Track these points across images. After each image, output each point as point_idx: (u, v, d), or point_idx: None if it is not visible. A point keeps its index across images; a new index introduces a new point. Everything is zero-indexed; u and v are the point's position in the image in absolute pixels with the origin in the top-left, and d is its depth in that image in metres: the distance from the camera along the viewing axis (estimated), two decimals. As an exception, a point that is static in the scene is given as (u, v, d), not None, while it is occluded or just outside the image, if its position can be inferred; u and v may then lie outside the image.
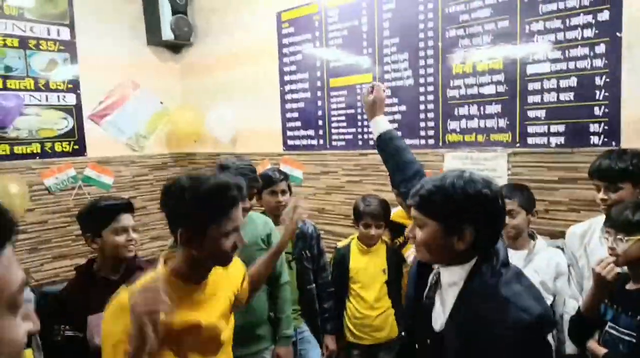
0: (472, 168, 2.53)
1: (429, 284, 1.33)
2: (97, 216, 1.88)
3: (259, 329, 2.14)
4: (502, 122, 2.46)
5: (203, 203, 1.25)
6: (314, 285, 2.47)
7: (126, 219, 1.88)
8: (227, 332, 1.44)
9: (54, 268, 3.36)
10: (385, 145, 1.74)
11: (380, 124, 1.78)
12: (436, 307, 1.30)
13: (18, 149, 3.23)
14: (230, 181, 1.32)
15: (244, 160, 2.26)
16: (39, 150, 3.32)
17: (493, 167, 2.49)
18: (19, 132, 3.23)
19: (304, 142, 3.36)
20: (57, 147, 3.40)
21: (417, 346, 1.37)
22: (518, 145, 2.40)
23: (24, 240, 3.16)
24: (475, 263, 1.21)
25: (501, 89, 2.44)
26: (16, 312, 0.67)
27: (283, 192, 2.46)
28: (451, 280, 1.24)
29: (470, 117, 2.56)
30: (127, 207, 1.91)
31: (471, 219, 1.17)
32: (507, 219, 2.04)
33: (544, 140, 2.32)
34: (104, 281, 1.86)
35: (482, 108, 2.52)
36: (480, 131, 2.53)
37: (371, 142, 2.98)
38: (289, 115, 3.45)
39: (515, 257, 2.07)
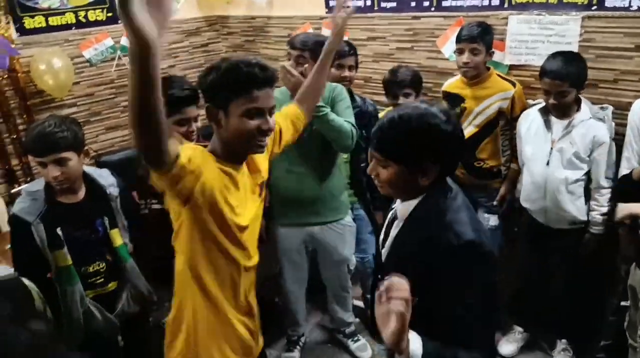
0: (539, 33, 2.40)
1: (386, 221, 1.37)
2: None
3: (336, 201, 2.26)
4: (579, -19, 2.23)
5: (222, 78, 1.29)
6: (365, 163, 2.47)
7: (190, 111, 1.89)
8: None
9: (109, 139, 3.46)
10: None
11: None
12: (389, 239, 1.33)
13: (53, 20, 3.10)
14: (253, 60, 1.30)
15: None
16: (73, 20, 3.18)
17: (563, 32, 2.33)
18: (50, 1, 3.06)
19: (350, 3, 3.12)
20: (91, 16, 3.25)
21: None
22: (595, 7, 2.21)
23: (75, 113, 3.20)
24: (428, 191, 1.22)
25: (583, -60, 2.17)
26: None
27: (350, 68, 2.36)
28: (407, 212, 1.25)
29: (542, -25, 2.33)
30: (192, 98, 1.89)
31: (433, 156, 1.17)
32: (557, 98, 2.02)
33: (625, 2, 2.13)
34: None
35: (557, -36, 2.27)
36: (553, -9, 2.32)
37: (425, 3, 2.77)
38: (332, -28, 3.16)
39: (556, 126, 2.11)
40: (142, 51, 0.93)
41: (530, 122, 2.24)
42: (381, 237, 1.39)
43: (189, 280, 1.41)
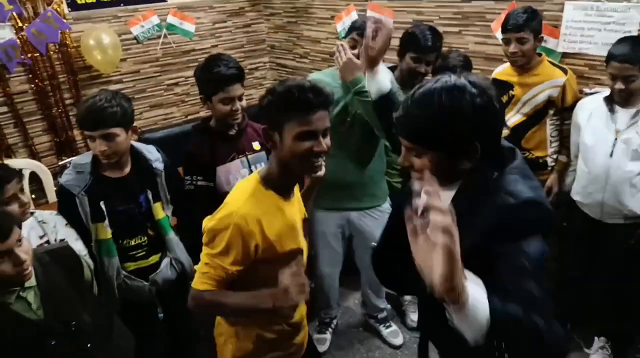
0: (597, 20, 2.29)
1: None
2: (207, 83, 1.92)
3: (375, 187, 2.25)
4: (645, -35, 2.11)
5: (277, 101, 1.31)
6: None
7: (235, 90, 1.89)
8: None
9: (152, 117, 3.55)
10: (386, 107, 1.46)
11: (383, 80, 1.50)
12: None
13: (102, -4, 3.17)
14: (307, 84, 1.30)
15: None
16: (121, -4, 3.25)
17: (622, 19, 2.22)
18: (100, -23, 3.13)
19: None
20: (139, -8, 3.31)
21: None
22: (660, -6, 2.09)
23: (121, 90, 3.27)
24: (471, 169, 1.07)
25: None
26: None
27: (428, 63, 2.17)
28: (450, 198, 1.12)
29: (604, -41, 2.21)
30: (238, 76, 1.90)
31: (474, 136, 1.01)
32: (625, 83, 1.92)
33: (694, -12, 2.00)
34: (224, 136, 1.99)
35: (622, -53, 2.15)
36: (615, -24, 2.20)
37: (476, -13, 2.68)
38: (379, -47, 3.09)
39: (622, 115, 2.02)
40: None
41: (591, 111, 2.13)
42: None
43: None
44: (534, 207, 1.01)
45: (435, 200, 0.81)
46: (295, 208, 1.48)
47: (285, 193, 1.42)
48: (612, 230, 2.13)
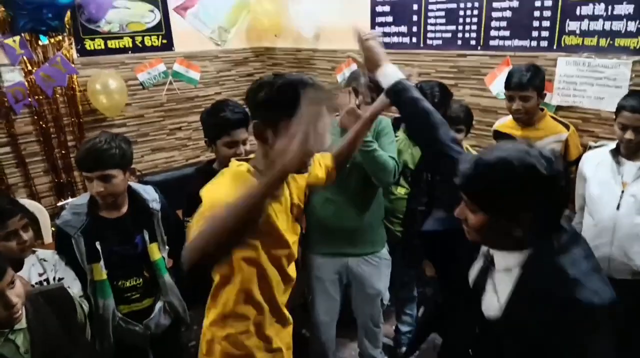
0: (589, 75, 2.37)
1: (476, 270, 1.22)
2: (213, 127, 1.96)
3: (373, 233, 2.24)
4: (632, 26, 2.21)
5: (274, 94, 1.24)
6: (425, 207, 2.35)
7: (240, 134, 1.92)
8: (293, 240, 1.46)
9: (153, 160, 3.58)
10: (398, 97, 1.46)
11: (391, 74, 1.50)
12: (487, 292, 1.18)
13: (112, 43, 3.28)
14: (305, 78, 1.27)
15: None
16: (130, 45, 3.36)
17: (613, 75, 2.30)
18: (110, 26, 3.25)
19: (395, 39, 3.19)
20: (147, 42, 3.43)
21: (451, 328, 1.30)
22: (647, 52, 2.18)
23: (124, 133, 3.32)
24: (534, 247, 1.08)
25: (637, -15, 2.16)
26: None
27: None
28: (506, 265, 1.13)
29: (594, 18, 2.31)
30: (243, 121, 1.93)
31: (528, 205, 1.02)
32: (633, 134, 1.95)
33: (681, 47, 2.09)
34: None
35: (610, 8, 2.26)
36: (604, 34, 2.30)
37: (472, 42, 2.80)
38: (379, 8, 3.24)
39: (629, 167, 2.03)
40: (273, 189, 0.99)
41: (597, 163, 2.13)
42: (471, 280, 1.23)
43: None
44: (615, 308, 0.99)
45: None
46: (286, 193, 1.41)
47: None
48: (620, 285, 2.08)
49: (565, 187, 1.07)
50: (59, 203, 3.09)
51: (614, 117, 2.02)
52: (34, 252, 1.77)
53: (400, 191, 2.38)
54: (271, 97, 1.25)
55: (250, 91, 1.31)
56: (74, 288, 1.66)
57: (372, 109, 1.66)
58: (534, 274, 1.06)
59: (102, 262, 1.78)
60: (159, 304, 1.94)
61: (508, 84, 2.25)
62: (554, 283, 1.02)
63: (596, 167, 2.14)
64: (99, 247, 1.78)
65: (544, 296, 1.02)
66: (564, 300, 0.99)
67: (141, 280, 1.89)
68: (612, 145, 2.12)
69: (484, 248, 1.21)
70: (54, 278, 1.70)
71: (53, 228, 2.40)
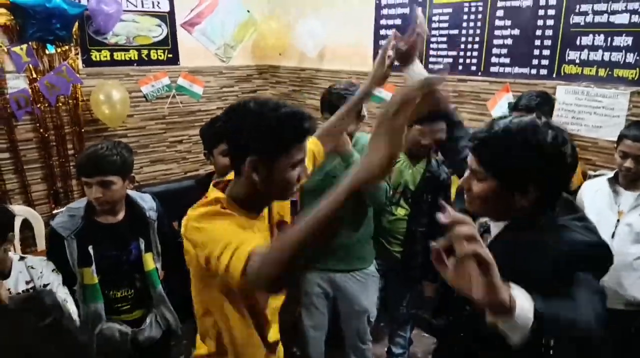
0: (587, 104, 2.39)
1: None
2: (210, 136, 1.98)
3: (362, 249, 2.24)
4: (631, 57, 2.24)
5: (278, 131, 1.15)
6: (425, 228, 2.34)
7: None
8: None
9: (152, 172, 3.59)
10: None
11: (421, 72, 1.48)
12: None
13: (117, 55, 3.32)
14: (303, 112, 1.20)
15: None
16: (136, 57, 3.40)
17: (611, 105, 2.32)
18: (117, 38, 3.30)
19: (397, 62, 3.21)
20: (153, 55, 3.47)
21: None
22: (645, 83, 2.20)
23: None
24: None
25: (636, 18, 2.20)
26: None
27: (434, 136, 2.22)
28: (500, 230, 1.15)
29: (593, 48, 2.35)
30: None
31: (538, 177, 1.05)
32: (633, 163, 1.97)
33: (678, 80, 2.12)
34: None
35: (609, 39, 2.29)
36: (603, 65, 2.33)
37: (472, 68, 2.83)
38: (382, 32, 3.29)
39: (625, 197, 2.04)
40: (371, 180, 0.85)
41: (595, 192, 2.15)
42: None
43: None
44: (604, 250, 1.06)
45: (456, 213, 0.79)
46: (264, 224, 1.35)
47: (255, 213, 1.28)
48: (612, 316, 2.07)
49: (574, 161, 1.08)
50: (54, 211, 3.08)
51: (615, 145, 2.04)
52: (23, 258, 1.76)
53: (400, 212, 2.38)
54: (273, 133, 1.14)
55: (240, 124, 1.19)
56: (60, 292, 1.65)
57: (362, 88, 1.63)
58: (522, 230, 1.10)
59: (93, 267, 1.77)
60: (150, 316, 1.91)
61: (516, 105, 2.28)
62: (540, 233, 1.06)
63: (594, 195, 2.15)
64: (91, 251, 1.77)
65: (527, 245, 1.06)
66: (548, 244, 1.03)
67: (133, 291, 1.88)
68: (610, 174, 2.13)
69: (481, 219, 1.23)
70: (40, 286, 1.68)
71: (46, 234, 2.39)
